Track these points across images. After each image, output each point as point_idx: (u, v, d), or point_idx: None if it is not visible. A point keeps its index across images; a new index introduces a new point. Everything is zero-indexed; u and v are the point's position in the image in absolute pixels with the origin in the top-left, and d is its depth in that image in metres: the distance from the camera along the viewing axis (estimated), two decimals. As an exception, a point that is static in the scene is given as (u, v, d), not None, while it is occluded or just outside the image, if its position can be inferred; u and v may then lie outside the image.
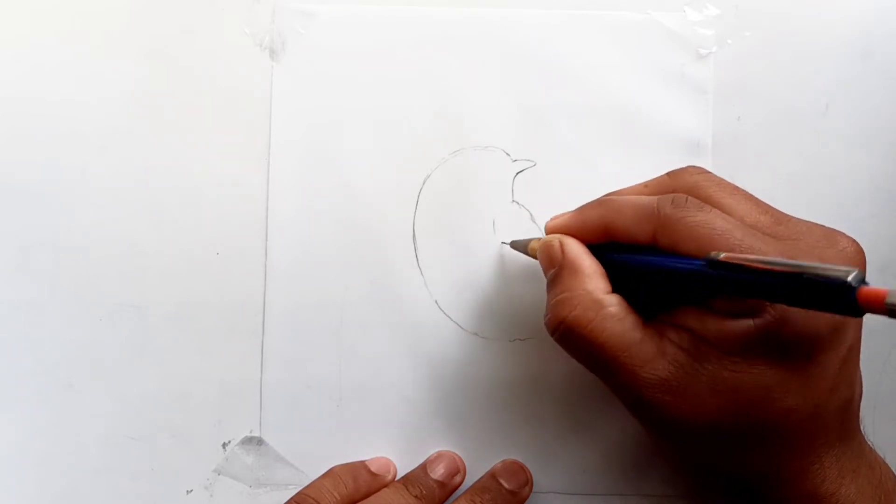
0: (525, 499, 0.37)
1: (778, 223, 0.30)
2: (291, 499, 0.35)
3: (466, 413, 0.38)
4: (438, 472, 0.36)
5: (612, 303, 0.30)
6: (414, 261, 0.38)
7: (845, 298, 0.25)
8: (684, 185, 0.31)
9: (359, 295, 0.38)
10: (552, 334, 0.31)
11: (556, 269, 0.32)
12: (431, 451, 0.37)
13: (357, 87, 0.38)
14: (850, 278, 0.24)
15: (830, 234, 0.30)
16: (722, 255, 0.27)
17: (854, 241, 0.30)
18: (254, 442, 0.38)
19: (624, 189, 0.34)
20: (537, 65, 0.38)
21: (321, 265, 0.38)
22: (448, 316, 0.38)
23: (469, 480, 0.37)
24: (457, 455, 0.37)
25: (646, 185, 0.33)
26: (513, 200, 0.38)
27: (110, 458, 0.38)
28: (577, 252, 0.32)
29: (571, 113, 0.38)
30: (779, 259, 0.27)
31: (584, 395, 0.37)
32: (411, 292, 0.38)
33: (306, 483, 0.36)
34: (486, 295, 0.38)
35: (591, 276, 0.31)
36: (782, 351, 0.28)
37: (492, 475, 0.36)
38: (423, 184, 0.38)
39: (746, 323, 0.28)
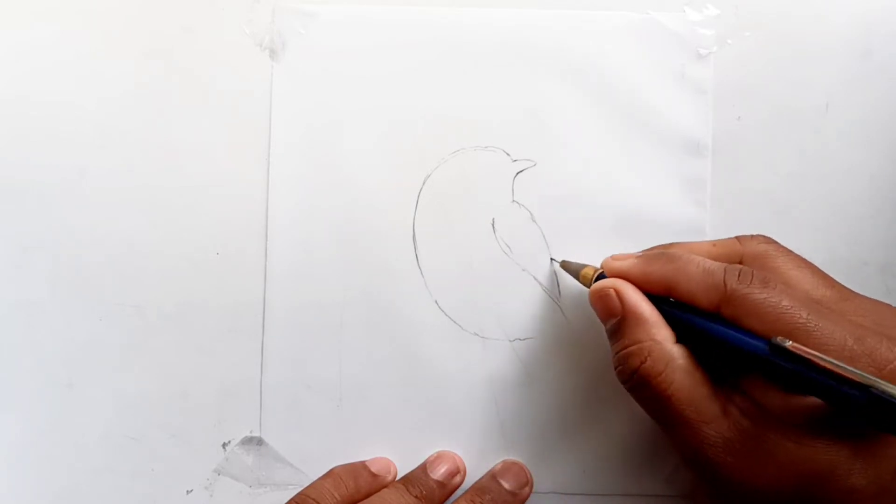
0: (525, 499, 0.37)
1: (844, 299, 0.30)
2: (292, 499, 0.35)
3: (466, 413, 0.38)
4: (438, 472, 0.36)
5: (682, 355, 0.30)
6: (414, 261, 0.38)
7: None
8: (752, 252, 0.32)
9: (359, 295, 0.38)
10: (625, 384, 0.31)
11: (617, 318, 0.32)
12: (431, 451, 0.37)
13: (357, 88, 0.38)
14: None
15: None
16: (788, 344, 0.27)
17: None
18: (254, 442, 0.38)
19: (691, 244, 0.33)
20: (537, 65, 0.38)
21: (321, 265, 0.38)
22: (448, 316, 0.38)
23: (469, 480, 0.37)
24: (457, 455, 0.37)
25: (714, 244, 0.33)
26: (513, 200, 0.38)
27: (110, 458, 0.38)
28: (636, 300, 0.31)
29: (571, 113, 0.38)
30: (849, 367, 0.26)
31: (583, 396, 0.37)
32: (411, 292, 0.38)
33: (306, 483, 0.36)
34: (486, 295, 0.38)
35: (657, 325, 0.31)
36: (849, 429, 0.27)
37: (492, 475, 0.36)
38: (423, 184, 0.38)
39: (812, 400, 0.28)
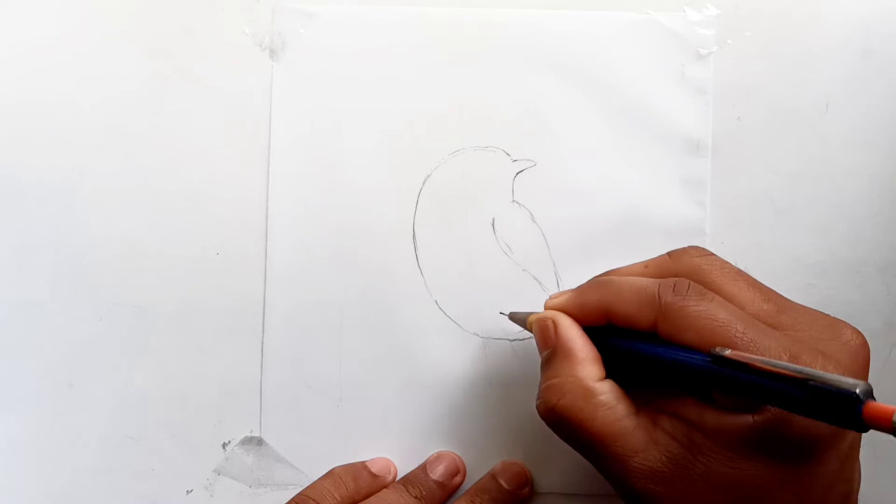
0: (525, 499, 0.37)
1: (781, 312, 0.29)
2: (292, 499, 0.35)
3: (466, 413, 0.38)
4: (438, 472, 0.36)
5: (604, 391, 0.30)
6: (414, 261, 0.38)
7: (851, 412, 0.24)
8: (686, 267, 0.31)
9: (359, 295, 0.38)
10: (543, 419, 0.31)
11: (549, 350, 0.31)
12: (431, 451, 0.37)
13: (357, 88, 0.38)
14: (857, 391, 0.24)
15: (834, 325, 0.29)
16: (727, 352, 0.27)
17: (858, 332, 0.29)
18: (254, 442, 0.38)
19: (623, 268, 0.33)
20: (537, 65, 0.38)
21: (321, 265, 0.38)
22: (448, 316, 0.38)
23: (469, 480, 0.37)
24: (457, 455, 0.37)
25: (646, 265, 0.32)
26: (513, 200, 0.38)
27: (110, 458, 0.38)
28: (571, 335, 0.31)
29: (571, 113, 0.38)
30: (786, 364, 0.26)
31: (584, 395, 0.37)
32: (411, 292, 0.38)
33: (306, 483, 0.36)
34: (486, 295, 0.38)
35: (584, 362, 0.30)
36: (782, 449, 0.27)
37: (492, 475, 0.36)
38: (423, 184, 0.38)
39: (746, 419, 0.27)
